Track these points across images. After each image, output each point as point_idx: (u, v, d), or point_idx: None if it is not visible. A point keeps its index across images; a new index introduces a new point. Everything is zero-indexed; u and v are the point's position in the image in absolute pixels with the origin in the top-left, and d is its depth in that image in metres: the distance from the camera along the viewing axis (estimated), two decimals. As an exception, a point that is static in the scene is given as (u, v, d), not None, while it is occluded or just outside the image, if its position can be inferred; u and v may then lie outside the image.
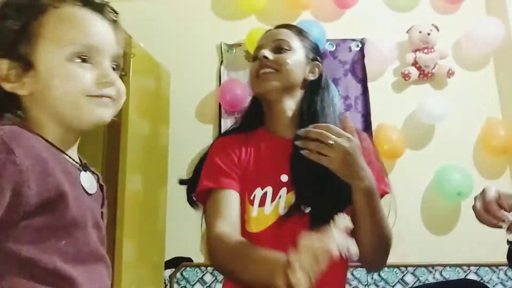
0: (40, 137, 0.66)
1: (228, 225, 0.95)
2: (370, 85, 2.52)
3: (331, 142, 0.89)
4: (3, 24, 0.67)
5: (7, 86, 0.67)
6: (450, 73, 2.46)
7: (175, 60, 2.58)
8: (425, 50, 2.46)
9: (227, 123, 2.54)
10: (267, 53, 1.09)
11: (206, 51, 2.67)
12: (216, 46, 2.68)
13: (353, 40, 2.59)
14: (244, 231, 1.00)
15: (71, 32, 0.68)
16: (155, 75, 2.36)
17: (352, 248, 0.67)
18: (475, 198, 1.02)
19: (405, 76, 2.46)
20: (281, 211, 0.99)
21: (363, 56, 2.56)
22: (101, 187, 0.75)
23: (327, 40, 2.57)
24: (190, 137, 2.54)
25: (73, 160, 0.71)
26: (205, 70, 2.64)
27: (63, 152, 0.69)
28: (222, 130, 2.49)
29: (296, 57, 1.10)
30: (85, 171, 0.71)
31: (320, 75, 1.14)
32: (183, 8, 2.73)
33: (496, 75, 2.54)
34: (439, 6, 2.63)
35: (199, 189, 1.03)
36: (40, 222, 0.60)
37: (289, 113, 1.10)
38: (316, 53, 1.16)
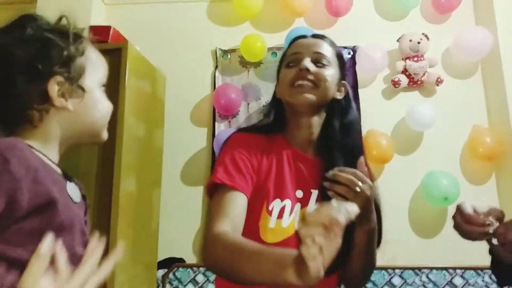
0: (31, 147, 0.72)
1: (230, 225, 0.91)
2: (361, 92, 2.58)
3: (358, 189, 0.92)
4: (67, 45, 0.78)
5: (59, 102, 0.76)
6: (439, 81, 2.52)
7: (171, 64, 2.63)
8: (415, 58, 2.52)
9: (221, 126, 2.59)
10: (309, 64, 1.05)
11: (201, 56, 2.72)
12: (211, 52, 2.73)
13: (345, 47, 2.65)
14: (257, 239, 0.97)
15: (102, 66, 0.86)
16: (151, 78, 2.40)
17: (355, 211, 0.66)
18: (453, 217, 1.02)
19: (395, 83, 2.52)
20: (297, 225, 0.99)
21: (354, 63, 2.62)
22: (83, 196, 0.80)
23: (320, 47, 2.62)
24: (184, 140, 2.58)
25: (60, 170, 0.78)
26: (200, 75, 2.69)
27: (54, 163, 0.76)
28: (216, 134, 2.54)
29: (333, 74, 1.08)
30: (70, 181, 0.77)
31: (346, 94, 1.13)
32: (180, 13, 2.78)
33: (484, 84, 2.61)
34: (429, 15, 2.70)
35: (213, 180, 0.98)
36: (30, 225, 0.65)
37: (314, 130, 1.08)
38: (343, 72, 1.15)
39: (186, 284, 2.21)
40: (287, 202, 1.01)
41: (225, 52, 2.71)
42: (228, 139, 1.07)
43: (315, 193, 1.04)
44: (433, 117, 2.42)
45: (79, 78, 0.78)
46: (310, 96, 1.04)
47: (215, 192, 0.98)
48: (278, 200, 1.00)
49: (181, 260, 2.32)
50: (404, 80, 2.53)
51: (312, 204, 1.03)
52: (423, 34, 2.54)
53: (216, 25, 2.78)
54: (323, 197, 1.01)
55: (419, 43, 2.50)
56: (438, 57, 2.60)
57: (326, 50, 1.09)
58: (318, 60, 1.07)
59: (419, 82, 2.55)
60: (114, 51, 2.01)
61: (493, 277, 2.09)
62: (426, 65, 2.52)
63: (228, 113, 2.57)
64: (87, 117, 0.80)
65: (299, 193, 1.03)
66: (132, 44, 2.14)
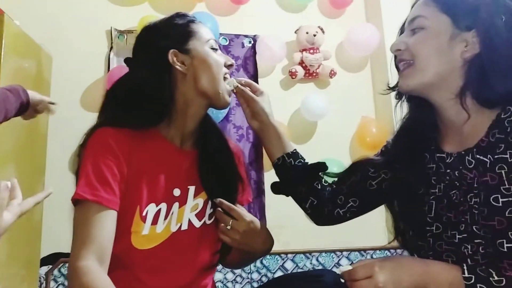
0: None
1: (96, 255, 0.83)
2: (260, 81, 2.61)
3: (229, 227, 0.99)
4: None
5: None
6: (332, 74, 2.65)
7: (59, 43, 2.41)
8: (311, 51, 2.61)
9: (115, 112, 2.45)
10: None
11: (94, 36, 2.54)
12: (106, 32, 2.56)
13: (246, 36, 2.66)
14: (128, 245, 0.92)
15: None
16: (34, 57, 2.18)
17: None
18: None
19: (292, 74, 2.59)
20: (173, 227, 0.95)
21: (255, 52, 2.64)
22: None
23: (221, 34, 2.60)
24: (73, 126, 2.38)
25: None
26: (92, 56, 2.51)
27: None
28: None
29: None
30: None
31: None
32: (69, -13, 2.56)
33: (372, 78, 2.80)
34: (325, 9, 2.82)
35: (74, 197, 0.87)
36: None
37: (197, 122, 1.03)
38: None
39: (74, 279, 2.07)
40: (163, 206, 0.95)
41: (121, 32, 2.55)
42: (91, 136, 0.92)
43: (192, 188, 1.00)
44: (326, 107, 2.54)
45: None
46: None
47: (78, 206, 0.88)
48: (153, 205, 0.94)
49: (68, 255, 2.16)
50: (300, 71, 2.61)
51: (190, 201, 0.99)
52: (319, 27, 2.64)
53: (111, 3, 2.61)
54: (200, 192, 1.01)
55: (315, 35, 2.60)
56: (332, 50, 2.73)
57: None
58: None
59: (314, 74, 2.65)
60: (-14, 24, 1.79)
61: (374, 256, 2.27)
62: (321, 58, 2.63)
63: (123, 98, 2.44)
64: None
65: (177, 192, 0.97)
66: (10, 17, 1.92)
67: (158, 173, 0.96)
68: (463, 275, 0.75)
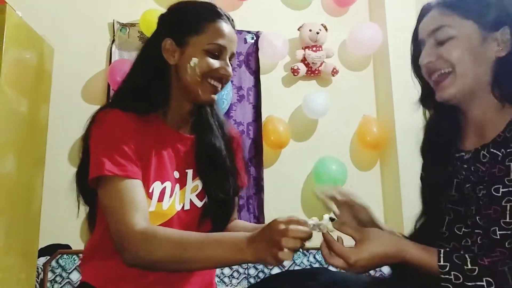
0: None
1: (143, 218, 0.86)
2: (262, 78, 2.60)
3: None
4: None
5: None
6: (334, 72, 2.64)
7: (60, 35, 2.41)
8: (314, 48, 2.60)
9: (116, 105, 2.44)
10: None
11: (96, 28, 2.53)
12: (109, 24, 2.55)
13: (249, 32, 2.65)
14: None
15: None
16: (35, 49, 2.17)
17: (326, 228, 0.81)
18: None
19: (294, 71, 2.59)
20: (177, 207, 0.98)
21: (257, 49, 2.63)
22: None
23: (223, 30, 2.59)
24: (73, 118, 2.39)
25: None
26: (94, 48, 2.51)
27: None
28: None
29: None
30: None
31: None
32: (73, -21, 2.55)
33: (374, 77, 2.79)
34: (329, 7, 2.81)
35: (100, 173, 0.88)
36: None
37: (193, 108, 1.04)
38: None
39: (71, 271, 2.07)
40: (167, 184, 0.97)
41: (123, 26, 2.55)
42: (103, 118, 0.94)
43: (190, 172, 1.02)
44: (327, 105, 2.54)
45: None
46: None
47: (104, 184, 0.90)
48: (158, 183, 0.96)
49: (66, 247, 2.17)
50: (302, 68, 2.61)
51: (189, 183, 1.01)
52: (322, 25, 2.63)
53: (114, -4, 2.60)
54: (197, 175, 1.02)
55: (318, 33, 2.59)
56: (335, 49, 2.72)
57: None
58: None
59: (316, 72, 2.64)
60: (-11, 14, 1.78)
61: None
62: (324, 56, 2.62)
63: (124, 91, 2.43)
64: None
65: (176, 174, 1.00)
66: (12, 8, 1.91)
67: (160, 154, 0.99)
68: (438, 263, 0.77)
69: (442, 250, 0.78)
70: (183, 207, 0.99)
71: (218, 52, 0.98)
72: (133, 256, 0.84)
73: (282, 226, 0.75)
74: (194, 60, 0.96)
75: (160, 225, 0.95)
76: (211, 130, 1.04)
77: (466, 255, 0.77)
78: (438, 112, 0.95)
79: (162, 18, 1.04)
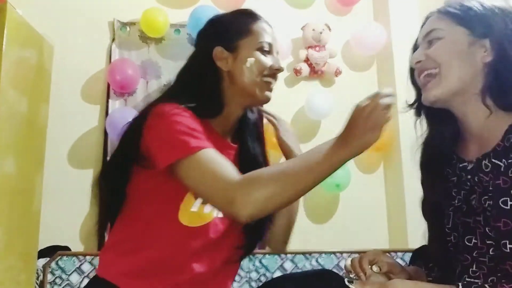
0: None
1: (235, 172, 0.88)
2: (264, 77, 2.57)
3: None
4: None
5: None
6: (337, 72, 2.61)
7: (60, 33, 2.39)
8: (317, 48, 2.57)
9: (115, 104, 2.42)
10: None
11: (96, 26, 2.51)
12: (109, 23, 2.53)
13: (251, 31, 2.62)
14: (174, 220, 0.95)
15: None
16: (36, 47, 2.15)
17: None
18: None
19: (297, 72, 2.56)
20: (215, 212, 0.99)
21: (260, 48, 2.60)
22: None
23: (226, 29, 2.56)
24: (73, 118, 2.38)
25: None
26: (94, 46, 2.48)
27: None
28: (110, 112, 2.36)
29: None
30: None
31: None
32: (73, -24, 2.52)
33: (378, 78, 2.76)
34: (332, 7, 2.77)
35: (188, 152, 0.89)
36: None
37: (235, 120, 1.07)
38: None
39: (71, 273, 2.05)
40: None
41: (124, 24, 2.53)
42: (164, 109, 0.95)
43: None
44: (330, 106, 2.51)
45: None
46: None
47: (189, 161, 0.90)
48: None
49: (65, 249, 2.15)
50: (305, 69, 2.58)
51: None
52: (325, 24, 2.60)
53: (115, -6, 2.57)
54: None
55: (321, 33, 2.56)
56: (338, 49, 2.69)
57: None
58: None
59: (319, 72, 2.61)
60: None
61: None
62: (327, 56, 2.59)
63: (124, 91, 2.41)
64: None
65: None
66: (12, 6, 1.89)
67: None
68: None
69: (460, 284, 0.79)
70: (218, 214, 1.00)
71: (268, 49, 1.03)
72: (247, 202, 0.83)
73: (364, 104, 0.84)
74: (250, 61, 1.01)
75: (198, 227, 0.96)
76: (253, 139, 1.10)
77: (486, 285, 0.77)
78: (434, 122, 0.96)
79: (204, 32, 1.08)
